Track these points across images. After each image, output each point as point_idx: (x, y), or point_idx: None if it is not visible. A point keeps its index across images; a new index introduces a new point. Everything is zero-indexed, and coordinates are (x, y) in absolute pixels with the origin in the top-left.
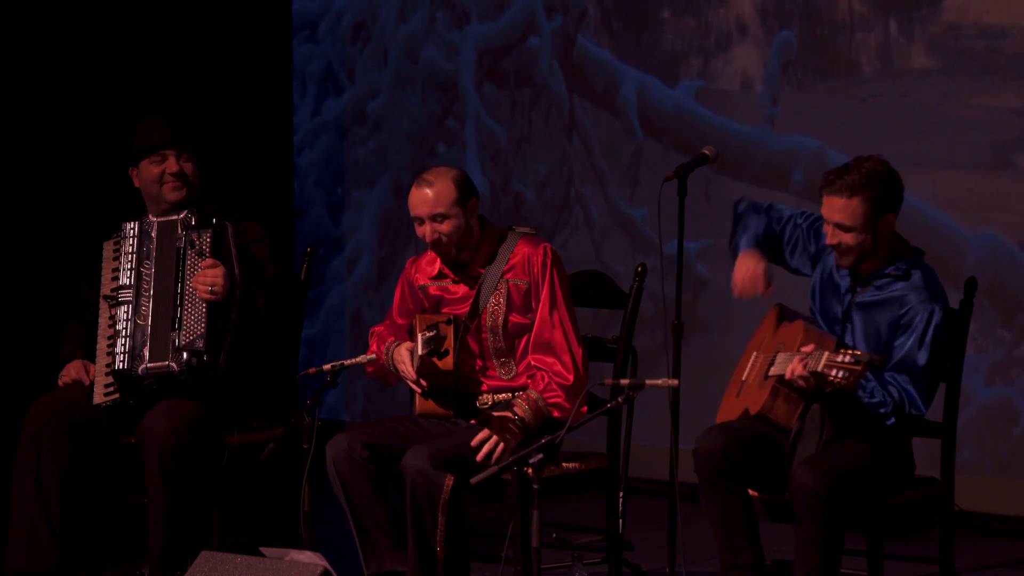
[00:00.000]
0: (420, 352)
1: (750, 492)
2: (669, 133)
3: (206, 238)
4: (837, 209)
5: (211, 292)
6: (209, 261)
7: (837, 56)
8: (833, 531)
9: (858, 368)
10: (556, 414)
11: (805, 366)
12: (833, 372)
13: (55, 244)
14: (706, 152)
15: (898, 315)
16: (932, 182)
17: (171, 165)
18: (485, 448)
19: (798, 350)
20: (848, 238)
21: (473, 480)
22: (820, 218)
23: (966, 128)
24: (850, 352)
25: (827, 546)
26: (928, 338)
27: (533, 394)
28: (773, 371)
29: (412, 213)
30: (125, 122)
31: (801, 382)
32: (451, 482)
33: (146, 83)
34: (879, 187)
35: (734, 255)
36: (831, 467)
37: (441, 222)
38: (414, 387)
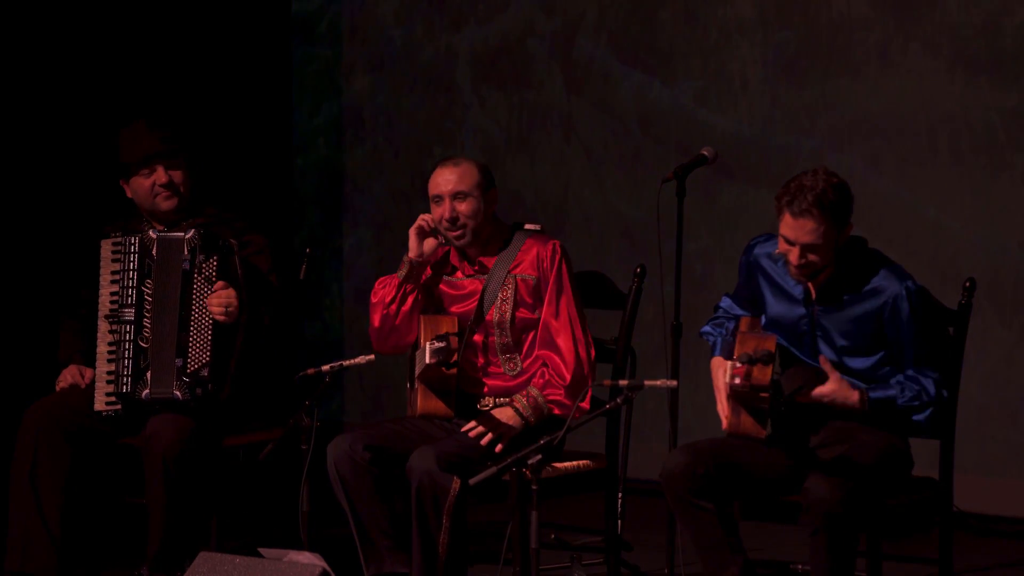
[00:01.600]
0: (428, 361)
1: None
2: (669, 133)
3: (213, 262)
4: (807, 232)
5: (225, 313)
6: (221, 284)
7: (837, 56)
8: (850, 540)
9: (741, 368)
10: (557, 411)
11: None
12: (736, 381)
13: (51, 244)
14: (705, 153)
15: (876, 306)
16: (931, 180)
17: (160, 176)
18: (486, 439)
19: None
20: (816, 257)
21: (472, 481)
22: (738, 294)
23: (964, 126)
24: (745, 354)
25: (845, 554)
26: (914, 318)
27: (534, 391)
28: (728, 387)
29: (433, 192)
30: (122, 122)
31: (839, 396)
32: (457, 484)
33: (144, 84)
34: (842, 203)
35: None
36: (845, 479)
37: (462, 201)
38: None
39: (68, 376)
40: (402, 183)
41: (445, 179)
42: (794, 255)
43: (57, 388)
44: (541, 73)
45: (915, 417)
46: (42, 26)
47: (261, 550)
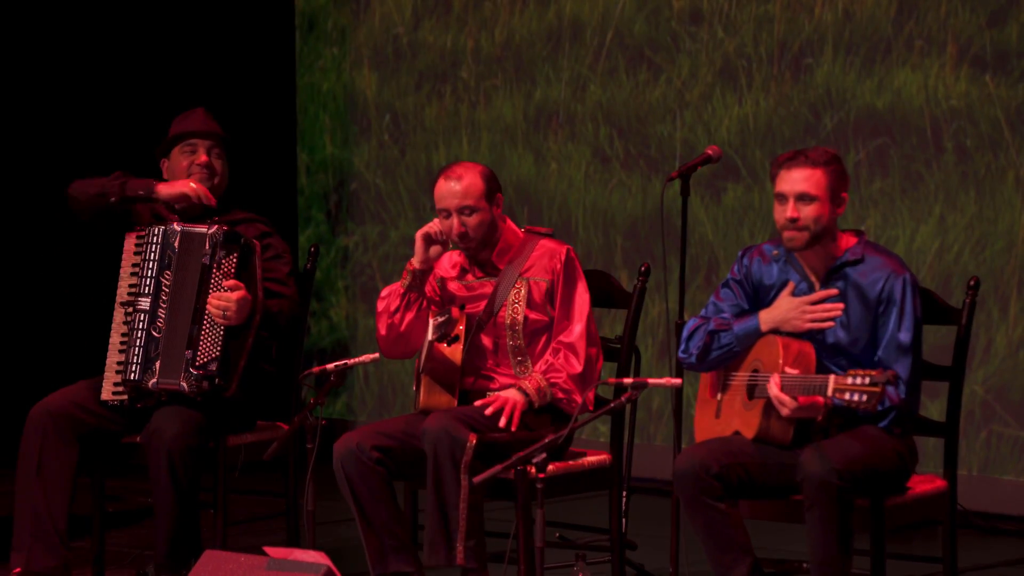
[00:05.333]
0: (430, 337)
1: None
2: (673, 131)
3: (232, 259)
4: (801, 179)
5: (224, 316)
6: (231, 283)
7: (842, 53)
8: (844, 514)
9: (877, 390)
10: (559, 395)
11: (803, 392)
12: (848, 396)
13: (58, 243)
14: (709, 152)
15: (876, 294)
16: (937, 178)
17: (201, 156)
18: (494, 406)
19: (782, 370)
20: (810, 210)
21: (476, 479)
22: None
23: (969, 123)
24: (862, 372)
25: (840, 529)
26: (908, 311)
27: (536, 375)
28: (761, 393)
29: (439, 205)
30: (127, 122)
31: (801, 413)
32: (474, 439)
33: (149, 82)
34: (834, 164)
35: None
36: (836, 454)
37: (469, 215)
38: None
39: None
40: (408, 181)
41: (451, 193)
42: (789, 209)
43: (171, 193)
44: (547, 71)
45: (878, 424)
46: (47, 28)
47: (266, 549)
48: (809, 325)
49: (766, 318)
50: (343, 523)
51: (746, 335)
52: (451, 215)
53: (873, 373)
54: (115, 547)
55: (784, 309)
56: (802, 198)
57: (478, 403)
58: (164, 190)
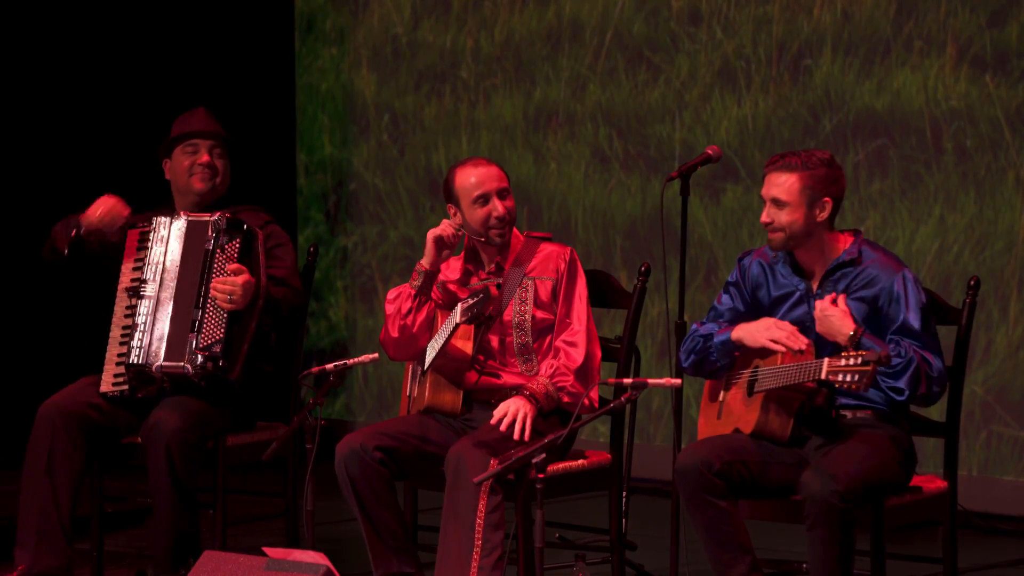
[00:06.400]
0: (458, 320)
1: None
2: (673, 131)
3: (235, 244)
4: (775, 184)
5: (229, 301)
6: (234, 267)
7: (842, 53)
8: (845, 533)
9: (868, 368)
10: (566, 399)
11: (799, 375)
12: (840, 377)
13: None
14: (709, 151)
15: (874, 294)
16: (936, 178)
17: (202, 156)
18: (507, 421)
19: (780, 363)
20: (782, 215)
21: (476, 479)
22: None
23: (969, 124)
24: (854, 354)
25: (843, 548)
26: (912, 301)
27: (543, 379)
28: (760, 387)
29: (479, 191)
30: (130, 121)
31: (834, 325)
32: (496, 463)
33: (149, 81)
34: (818, 169)
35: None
36: (838, 472)
37: (507, 197)
38: (448, 232)
39: (107, 200)
40: (407, 181)
41: (490, 177)
42: (763, 213)
43: (96, 215)
44: (546, 70)
45: (895, 383)
46: (48, 28)
47: (265, 549)
48: (765, 342)
49: (738, 328)
50: (343, 523)
51: (722, 344)
52: (491, 199)
53: (864, 353)
54: (114, 547)
55: (756, 323)
56: (775, 203)
57: (492, 422)
58: (89, 217)
